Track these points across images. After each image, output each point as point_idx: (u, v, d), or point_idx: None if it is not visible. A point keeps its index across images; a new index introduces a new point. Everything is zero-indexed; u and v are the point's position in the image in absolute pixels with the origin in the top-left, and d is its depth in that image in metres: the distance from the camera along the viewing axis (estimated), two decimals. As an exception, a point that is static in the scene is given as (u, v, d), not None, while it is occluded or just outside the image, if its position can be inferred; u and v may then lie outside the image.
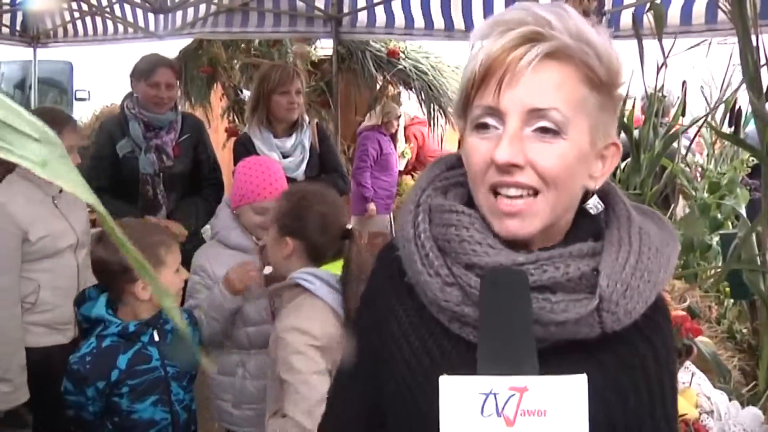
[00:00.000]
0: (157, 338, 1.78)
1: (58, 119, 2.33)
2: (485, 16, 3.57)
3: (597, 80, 0.74)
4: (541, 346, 0.71)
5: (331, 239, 1.75)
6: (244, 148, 2.92)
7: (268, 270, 1.96)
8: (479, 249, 0.74)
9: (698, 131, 2.35)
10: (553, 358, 0.71)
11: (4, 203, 2.25)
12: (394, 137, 5.37)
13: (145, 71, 2.88)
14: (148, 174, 2.86)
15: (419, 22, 3.82)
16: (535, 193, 0.73)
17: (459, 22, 3.68)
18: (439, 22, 3.75)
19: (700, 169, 2.65)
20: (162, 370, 1.76)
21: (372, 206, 5.06)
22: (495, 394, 0.64)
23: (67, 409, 1.76)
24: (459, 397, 0.65)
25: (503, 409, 0.63)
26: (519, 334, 0.68)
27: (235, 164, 2.97)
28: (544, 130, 0.72)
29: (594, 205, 0.82)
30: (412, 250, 0.79)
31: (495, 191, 0.74)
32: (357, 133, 5.18)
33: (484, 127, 0.75)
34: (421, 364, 0.79)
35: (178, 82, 3.07)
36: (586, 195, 0.82)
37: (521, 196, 0.73)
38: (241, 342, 2.05)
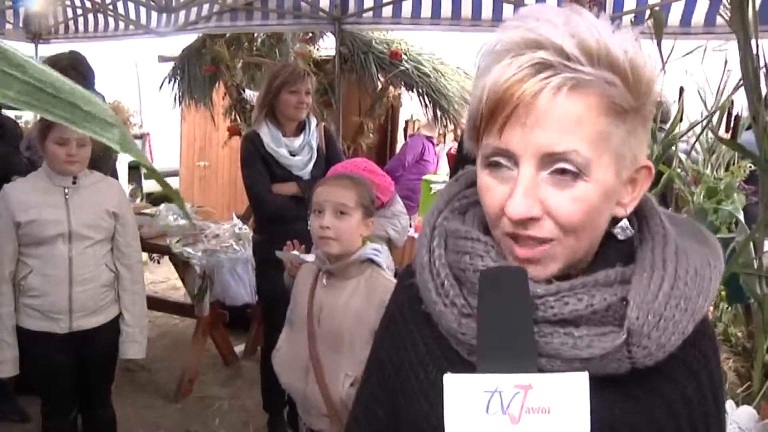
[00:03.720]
0: None
1: None
2: (494, 5, 3.58)
3: (622, 109, 0.65)
4: None
5: None
6: (251, 144, 2.94)
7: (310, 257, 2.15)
8: None
9: (698, 137, 2.37)
10: None
11: (7, 189, 2.39)
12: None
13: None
14: None
15: (426, 11, 3.83)
16: (552, 239, 0.67)
17: (467, 11, 3.70)
18: (447, 10, 3.76)
19: (696, 174, 2.68)
20: None
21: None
22: (500, 392, 0.62)
23: None
24: (464, 395, 0.64)
25: (508, 407, 0.62)
26: (518, 332, 0.65)
27: (242, 160, 3.00)
28: (562, 172, 0.64)
29: (622, 228, 0.73)
30: (427, 277, 0.74)
31: (511, 236, 0.69)
32: (410, 135, 5.66)
33: (496, 165, 0.68)
34: (440, 394, 0.74)
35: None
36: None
37: (539, 244, 0.68)
38: None
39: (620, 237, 0.73)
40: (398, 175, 5.13)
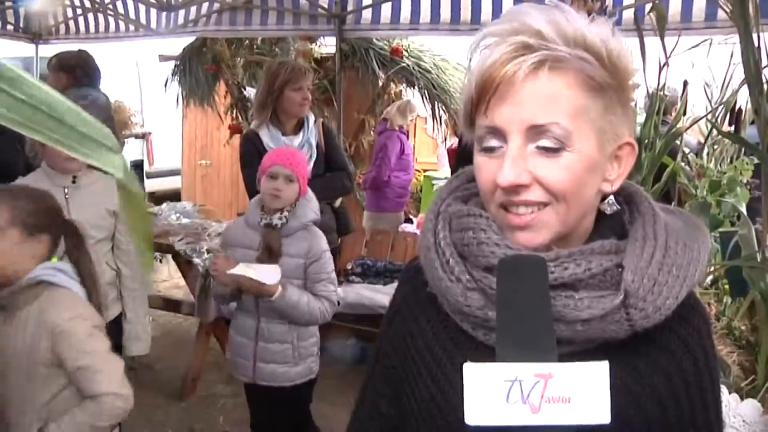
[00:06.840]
0: None
1: None
2: (494, 9, 3.57)
3: (598, 85, 0.71)
4: (570, 350, 0.70)
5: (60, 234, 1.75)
6: (251, 144, 2.93)
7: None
8: (498, 250, 0.72)
9: (692, 124, 2.38)
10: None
11: None
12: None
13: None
14: None
15: (425, 16, 3.81)
16: (545, 205, 0.72)
17: (466, 15, 3.68)
18: (446, 14, 3.74)
19: (700, 168, 2.68)
20: None
21: None
22: (520, 381, 0.63)
23: None
24: (484, 384, 0.64)
25: (528, 396, 0.62)
26: (537, 321, 0.66)
27: (241, 160, 3.00)
28: (546, 148, 0.70)
29: (609, 204, 0.78)
30: (433, 257, 0.78)
31: (505, 207, 0.74)
32: (378, 132, 5.18)
33: (489, 148, 0.73)
34: (447, 377, 0.77)
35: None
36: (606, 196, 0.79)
37: (531, 212, 0.72)
38: (251, 308, 2.38)
39: (607, 211, 0.78)
40: (386, 179, 5.00)
